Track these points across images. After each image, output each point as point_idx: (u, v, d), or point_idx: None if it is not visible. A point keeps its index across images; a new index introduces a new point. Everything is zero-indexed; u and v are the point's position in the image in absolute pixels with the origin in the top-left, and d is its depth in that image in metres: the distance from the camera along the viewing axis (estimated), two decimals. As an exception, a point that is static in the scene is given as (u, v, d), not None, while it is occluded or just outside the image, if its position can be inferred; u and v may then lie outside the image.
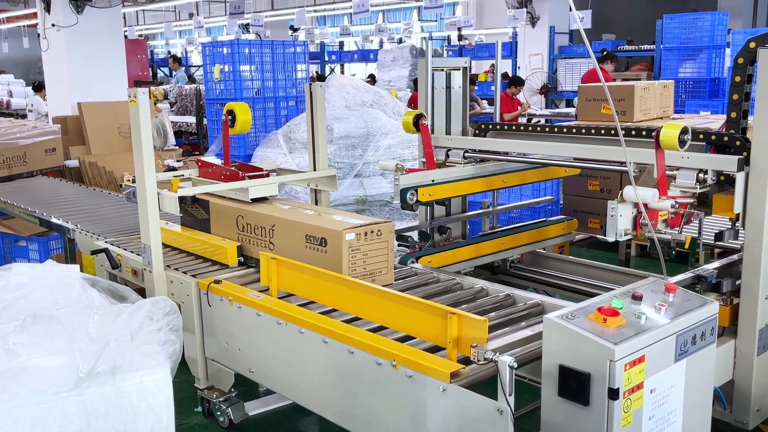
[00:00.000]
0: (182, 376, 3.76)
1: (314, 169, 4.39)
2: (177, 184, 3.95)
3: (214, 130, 6.76)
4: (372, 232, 3.33)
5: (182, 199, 3.95)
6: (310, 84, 4.35)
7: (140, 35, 20.04)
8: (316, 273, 3.22)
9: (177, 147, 8.03)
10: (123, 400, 2.79)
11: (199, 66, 17.08)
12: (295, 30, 18.40)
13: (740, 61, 3.12)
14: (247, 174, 4.02)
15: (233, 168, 4.12)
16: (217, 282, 3.56)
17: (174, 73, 16.46)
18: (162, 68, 19.36)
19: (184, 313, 3.64)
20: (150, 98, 3.90)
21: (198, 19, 17.11)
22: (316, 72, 17.35)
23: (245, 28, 18.11)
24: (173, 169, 5.82)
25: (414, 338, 2.94)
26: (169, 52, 22.33)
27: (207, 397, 3.73)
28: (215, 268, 3.86)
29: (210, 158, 4.49)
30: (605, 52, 10.98)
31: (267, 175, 4.10)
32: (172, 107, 11.50)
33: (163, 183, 3.99)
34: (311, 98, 4.33)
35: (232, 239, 3.87)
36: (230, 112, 4.15)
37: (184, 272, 3.77)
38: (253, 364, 3.43)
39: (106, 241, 4.34)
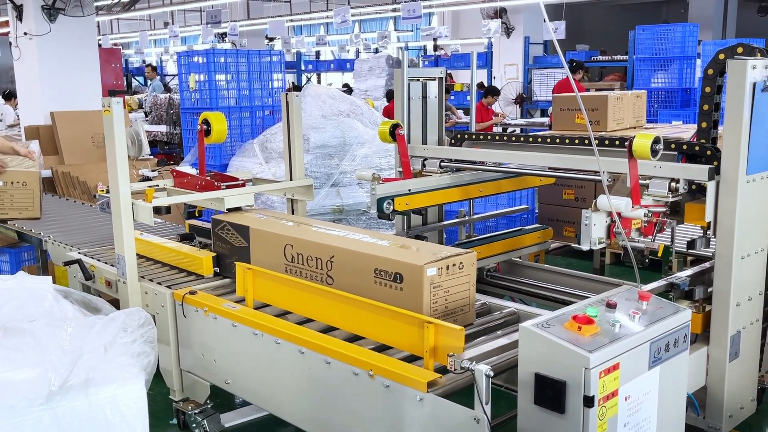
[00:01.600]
0: (157, 388, 3.72)
1: (291, 179, 4.38)
2: (152, 194, 3.91)
3: (190, 139, 6.72)
4: (454, 265, 2.90)
5: (215, 223, 3.74)
6: (287, 94, 4.35)
7: (115, 44, 19.90)
8: (291, 283, 3.21)
9: (152, 156, 7.97)
10: (96, 413, 2.75)
11: (174, 75, 16.99)
12: (271, 39, 18.38)
13: (710, 72, 3.18)
14: (222, 184, 4.00)
15: (208, 178, 4.10)
16: (192, 293, 3.53)
17: (149, 82, 16.35)
18: (137, 77, 19.22)
19: (158, 324, 3.61)
20: (124, 107, 3.86)
21: (173, 28, 17.01)
22: (293, 82, 17.35)
23: (221, 37, 18.06)
24: (148, 179, 5.78)
25: (391, 348, 2.94)
26: (144, 61, 22.16)
27: (182, 409, 3.69)
28: (191, 278, 3.83)
29: (185, 168, 4.45)
30: (574, 63, 11.13)
31: (243, 185, 4.09)
32: (147, 116, 11.42)
33: (138, 193, 3.96)
34: (287, 108, 4.32)
35: (278, 271, 3.39)
36: (205, 122, 4.13)
37: (159, 283, 3.74)
38: (229, 376, 3.40)
39: (79, 252, 4.29)
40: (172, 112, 9.67)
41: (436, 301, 2.85)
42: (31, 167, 4.97)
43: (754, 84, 2.92)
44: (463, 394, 2.50)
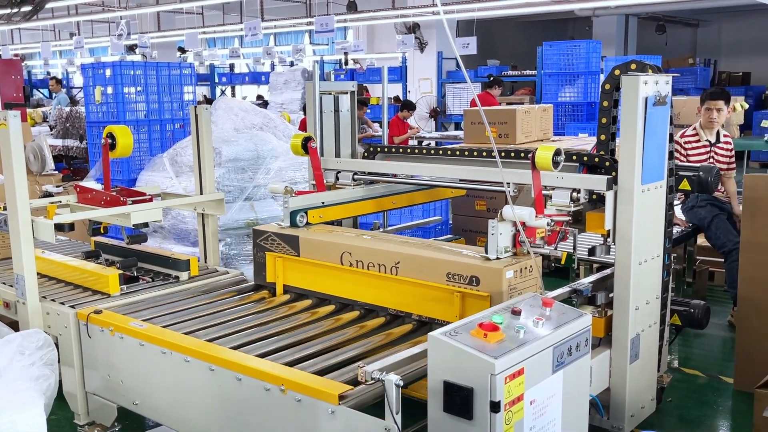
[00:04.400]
0: (60, 412, 3.58)
1: (201, 193, 4.30)
2: (54, 211, 3.77)
3: (96, 154, 6.50)
4: (525, 268, 3.03)
5: (257, 234, 3.73)
6: (196, 107, 4.28)
7: (15, 55, 19.04)
8: (324, 266, 3.49)
9: (57, 172, 7.65)
10: (-8, 442, 2.61)
11: (81, 88, 16.41)
12: (183, 51, 18.04)
13: (607, 87, 3.33)
14: (129, 199, 3.89)
15: (114, 193, 3.98)
16: (97, 312, 3.41)
17: (54, 95, 15.74)
18: (41, 89, 18.45)
19: (62, 345, 3.48)
20: (25, 121, 3.71)
21: (78, 39, 16.42)
22: (204, 95, 17.06)
23: (131, 49, 17.58)
24: (50, 194, 5.55)
25: (303, 362, 2.93)
26: (48, 73, 21.31)
27: (88, 434, 3.55)
28: (96, 297, 3.71)
29: (90, 183, 4.30)
30: (492, 78, 11.42)
31: (150, 200, 3.99)
32: (51, 130, 10.97)
33: (40, 210, 3.80)
34: (197, 121, 4.25)
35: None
36: (110, 135, 4.01)
37: (62, 303, 3.60)
38: (138, 396, 3.30)
39: (-26, 273, 4.08)
40: (78, 125, 9.32)
41: None
42: None
43: (647, 99, 3.08)
44: (379, 404, 2.51)
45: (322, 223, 3.87)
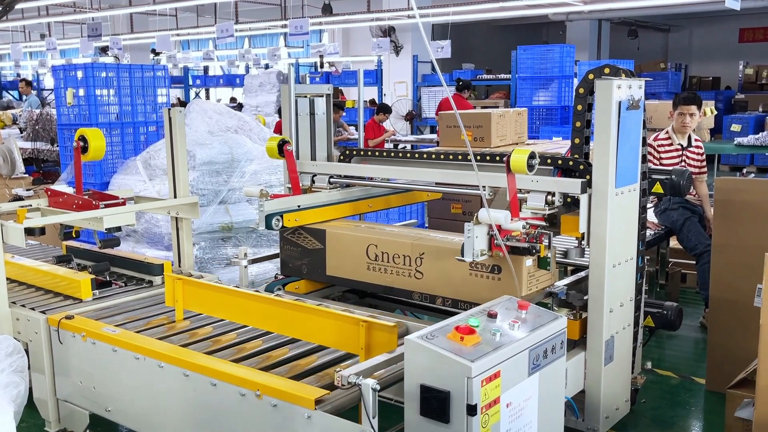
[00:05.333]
0: (31, 420, 3.53)
1: (174, 196, 4.26)
2: (24, 215, 3.71)
3: (67, 157, 6.40)
4: (542, 257, 3.22)
5: (283, 229, 3.78)
6: (169, 109, 4.23)
7: (-15, 56, 18.73)
8: (224, 291, 3.29)
9: (27, 175, 7.54)
10: (-41, 451, 2.55)
11: (52, 90, 16.16)
12: (157, 54, 17.85)
13: (581, 91, 3.35)
14: (101, 202, 3.84)
15: (86, 197, 3.93)
16: (69, 317, 3.36)
17: (25, 97, 15.48)
18: (11, 91, 18.15)
19: (32, 352, 3.42)
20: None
21: (50, 41, 16.18)
22: (178, 98, 16.91)
23: (103, 50, 17.37)
24: (20, 198, 5.45)
25: (278, 367, 2.91)
26: (18, 75, 20.97)
27: (59, 441, 3.49)
28: (68, 302, 3.65)
29: (61, 187, 4.24)
30: (461, 82, 11.48)
31: (123, 204, 3.94)
32: (22, 132, 10.79)
33: (9, 213, 3.73)
34: (170, 124, 4.21)
35: (359, 269, 3.64)
36: (82, 138, 3.96)
37: (32, 308, 3.54)
38: (110, 403, 3.25)
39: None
40: (49, 128, 9.19)
41: (530, 290, 3.19)
42: None
43: (620, 103, 3.12)
44: (355, 409, 2.50)
45: (343, 218, 4.06)
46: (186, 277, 3.42)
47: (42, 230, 3.87)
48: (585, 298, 3.29)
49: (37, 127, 9.02)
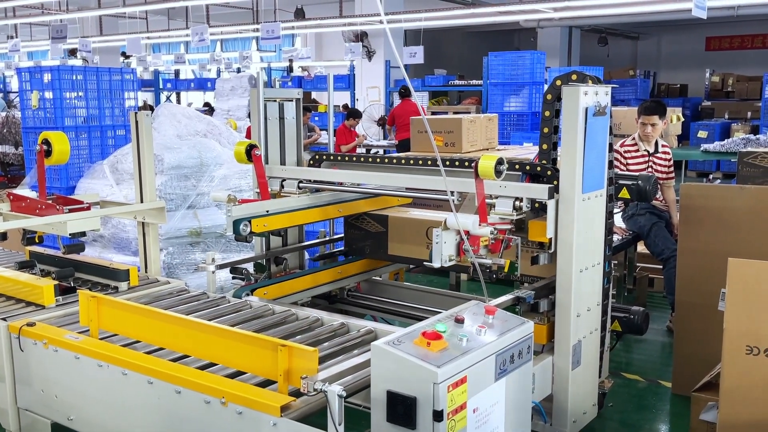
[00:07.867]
0: (-10, 430, 3.44)
1: (141, 201, 4.20)
2: (-16, 220, 3.63)
3: (31, 160, 6.29)
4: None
5: (348, 216, 4.12)
6: (136, 113, 4.18)
7: (-50, 57, 18.36)
8: (140, 311, 3.07)
9: (-9, 179, 7.40)
10: None
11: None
12: (127, 57, 17.64)
13: (549, 97, 3.37)
14: (65, 207, 3.77)
15: (49, 201, 3.86)
16: (30, 324, 3.29)
17: (-10, 99, 15.22)
18: (-24, 94, 17.80)
19: (-9, 360, 3.34)
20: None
21: (15, 42, 15.89)
22: (145, 101, 16.72)
23: (72, 53, 17.13)
24: (-17, 203, 5.33)
25: (247, 374, 2.87)
26: (-16, 77, 20.58)
27: (20, 452, 3.42)
28: (30, 309, 3.58)
29: (24, 191, 4.15)
30: (404, 89, 11.59)
31: (88, 208, 3.87)
32: (-14, 136, 10.58)
33: (-31, 218, 3.65)
34: (137, 127, 4.15)
35: (420, 249, 3.97)
36: (46, 142, 3.89)
37: (-8, 315, 3.46)
38: (73, 411, 3.19)
39: None
40: (15, 131, 9.04)
41: None
42: None
43: (587, 109, 3.14)
44: (322, 415, 2.48)
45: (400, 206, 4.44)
46: (101, 295, 3.19)
47: (4, 235, 3.80)
48: (552, 300, 3.30)
49: (2, 130, 8.87)
